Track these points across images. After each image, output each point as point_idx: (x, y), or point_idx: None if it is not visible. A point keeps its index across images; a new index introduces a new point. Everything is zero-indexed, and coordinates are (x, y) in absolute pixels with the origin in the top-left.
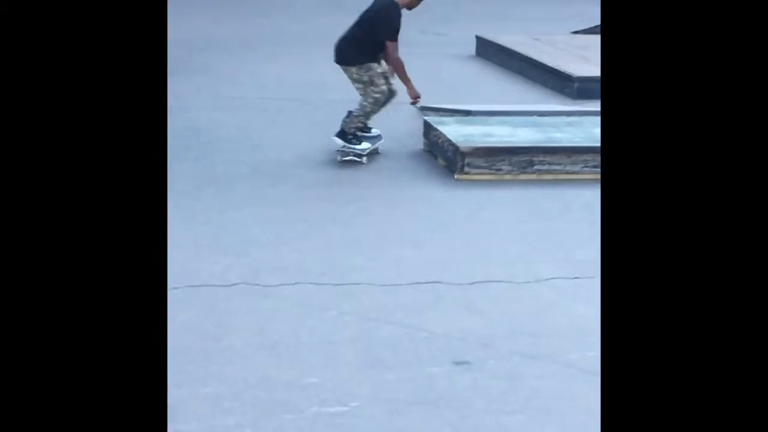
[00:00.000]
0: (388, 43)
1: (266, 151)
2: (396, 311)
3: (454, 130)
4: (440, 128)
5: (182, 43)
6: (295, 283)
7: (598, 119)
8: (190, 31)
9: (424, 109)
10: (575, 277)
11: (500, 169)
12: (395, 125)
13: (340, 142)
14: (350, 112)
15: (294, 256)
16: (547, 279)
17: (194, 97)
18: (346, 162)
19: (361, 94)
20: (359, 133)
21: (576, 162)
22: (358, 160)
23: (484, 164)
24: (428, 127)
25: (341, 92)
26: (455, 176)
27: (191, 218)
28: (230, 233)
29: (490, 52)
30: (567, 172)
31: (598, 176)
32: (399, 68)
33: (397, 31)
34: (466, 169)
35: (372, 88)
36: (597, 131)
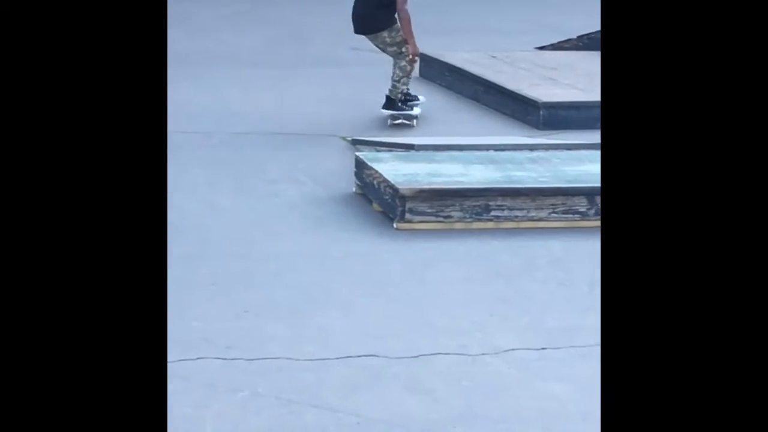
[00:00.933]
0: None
1: None
2: (322, 391)
3: (392, 169)
4: (376, 166)
5: None
6: (198, 358)
7: (568, 154)
8: None
9: (356, 143)
10: (542, 348)
11: (449, 216)
12: (321, 163)
13: (388, 112)
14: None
15: (197, 325)
16: (507, 350)
17: None
18: (396, 125)
19: (396, 58)
20: (407, 99)
21: (542, 207)
22: (408, 122)
23: (429, 210)
24: (361, 165)
25: (251, 122)
26: (394, 225)
27: None
28: None
29: (436, 72)
30: (531, 219)
31: (569, 224)
32: (407, 21)
33: None
34: (408, 216)
35: (405, 47)
36: (567, 169)
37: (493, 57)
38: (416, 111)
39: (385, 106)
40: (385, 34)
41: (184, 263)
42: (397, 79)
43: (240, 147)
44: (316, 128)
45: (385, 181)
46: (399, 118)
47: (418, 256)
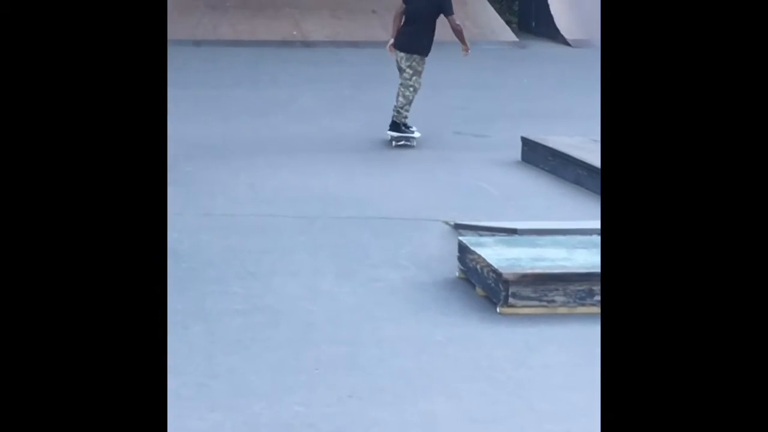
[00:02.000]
0: (452, 17)
1: (264, 280)
2: None
3: (495, 253)
4: (479, 251)
5: None
6: None
7: None
8: (172, 134)
9: (459, 227)
10: None
11: (553, 301)
12: (423, 247)
13: (395, 134)
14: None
15: (300, 410)
16: None
17: (177, 215)
18: (399, 146)
19: (406, 84)
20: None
21: None
22: (410, 144)
23: (533, 294)
24: (464, 250)
25: (353, 207)
26: (498, 309)
27: (172, 364)
28: (220, 382)
29: (539, 157)
30: None
31: None
32: (462, 32)
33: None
34: (511, 300)
35: (417, 78)
36: None
37: (595, 141)
38: (417, 134)
39: (391, 129)
40: (417, 58)
41: (288, 348)
42: (401, 105)
43: (342, 231)
44: (417, 213)
45: (489, 265)
46: (402, 140)
47: (522, 341)
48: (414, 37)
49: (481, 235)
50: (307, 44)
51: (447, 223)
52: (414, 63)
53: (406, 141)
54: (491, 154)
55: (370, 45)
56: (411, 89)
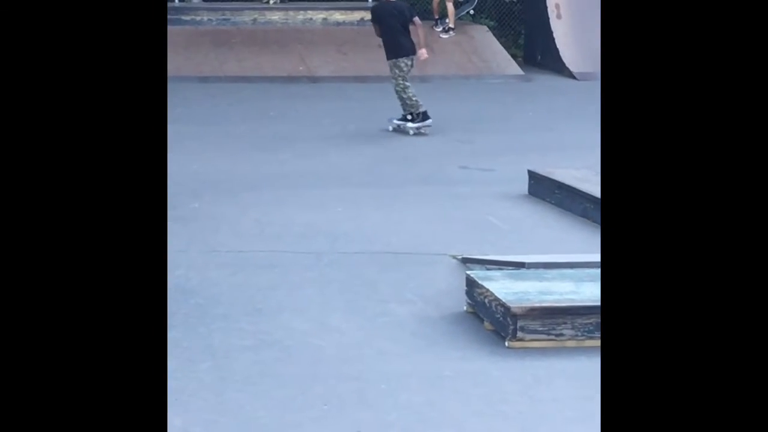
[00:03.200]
0: (416, 19)
1: (273, 317)
2: None
3: (503, 287)
4: (487, 285)
5: (170, 184)
6: None
7: None
8: (177, 170)
9: (466, 261)
10: None
11: (561, 334)
12: (431, 282)
13: (412, 125)
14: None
15: None
16: None
17: (183, 252)
18: (419, 134)
19: (396, 88)
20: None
21: None
22: (424, 132)
23: (541, 328)
24: (472, 284)
25: (360, 242)
26: (506, 343)
27: (180, 400)
28: (229, 418)
29: (545, 190)
30: None
31: None
32: (424, 34)
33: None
34: (520, 334)
35: (401, 79)
36: None
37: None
38: (410, 124)
39: (405, 120)
40: (392, 62)
41: (296, 384)
42: (409, 105)
43: (350, 267)
44: (425, 247)
45: (497, 299)
46: (421, 128)
47: (531, 375)
48: (389, 47)
49: (488, 269)
50: (313, 80)
51: (454, 257)
52: (394, 68)
53: (423, 129)
54: (498, 187)
55: (376, 80)
56: (401, 88)
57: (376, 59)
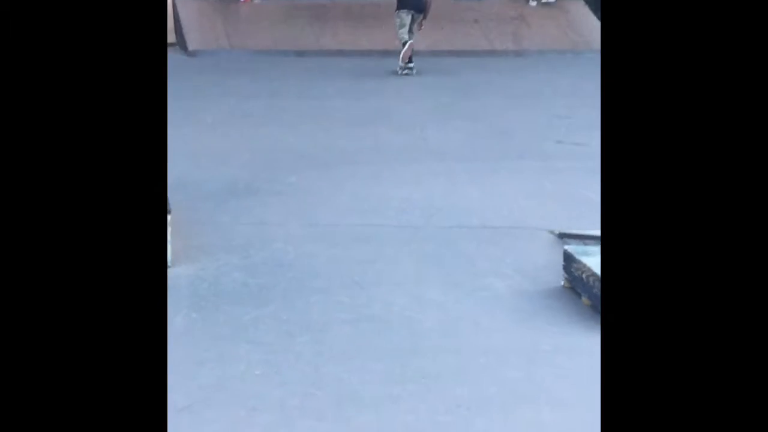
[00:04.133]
0: None
1: (370, 290)
2: None
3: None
4: (584, 260)
5: (264, 159)
6: None
7: None
8: (273, 145)
9: (564, 236)
10: None
11: None
12: (529, 256)
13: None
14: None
15: (408, 419)
16: None
17: (281, 225)
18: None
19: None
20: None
21: None
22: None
23: None
24: (570, 259)
25: (457, 216)
26: None
27: (278, 373)
28: (326, 392)
29: None
30: None
31: None
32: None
33: None
34: None
35: (399, 27)
36: None
37: None
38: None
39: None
40: (395, 14)
41: (394, 357)
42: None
43: (447, 241)
44: (522, 222)
45: (594, 274)
46: (405, 70)
47: None
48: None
49: (586, 244)
50: None
51: (552, 232)
52: (395, 17)
53: (408, 71)
54: (594, 162)
55: (471, 54)
56: (399, 33)
57: (470, 34)
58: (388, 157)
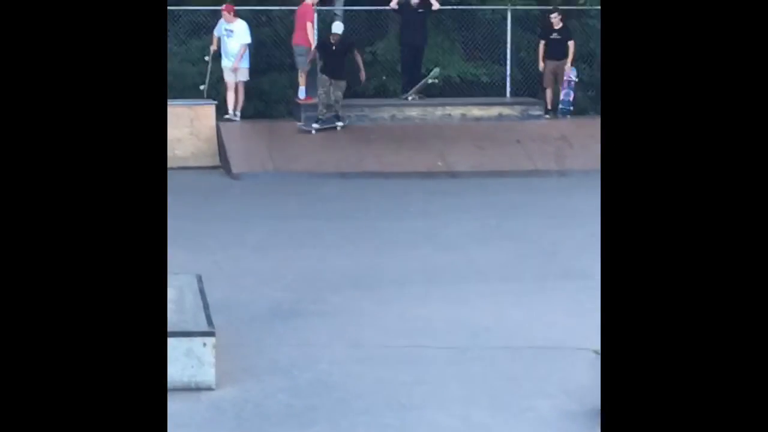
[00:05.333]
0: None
1: (416, 412)
2: None
3: None
4: None
5: (308, 280)
6: None
7: None
8: (319, 265)
9: None
10: None
11: None
12: (573, 376)
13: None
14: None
15: None
16: None
17: (326, 346)
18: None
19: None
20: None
21: None
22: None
23: None
24: None
25: (502, 337)
26: None
27: None
28: None
29: None
30: None
31: None
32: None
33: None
34: None
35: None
36: None
37: None
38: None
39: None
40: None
41: None
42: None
43: (492, 362)
44: (566, 341)
45: None
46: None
47: None
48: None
49: None
50: (452, 175)
51: (595, 351)
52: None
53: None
54: None
55: (515, 174)
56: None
57: (514, 154)
58: (434, 277)
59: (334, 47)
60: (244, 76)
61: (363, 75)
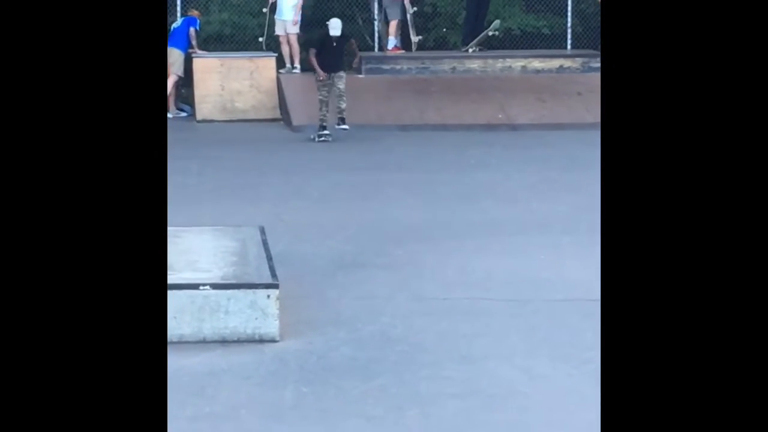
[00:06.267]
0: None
1: (478, 364)
2: None
3: None
4: None
5: (370, 233)
6: None
7: None
8: (379, 218)
9: None
10: None
11: None
12: None
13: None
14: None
15: None
16: None
17: (388, 298)
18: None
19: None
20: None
21: None
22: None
23: None
24: None
25: (563, 289)
26: None
27: None
28: None
29: None
30: None
31: None
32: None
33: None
34: None
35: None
36: None
37: None
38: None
39: (341, 123)
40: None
41: None
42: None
43: (554, 314)
44: None
45: None
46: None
47: None
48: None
49: None
50: (512, 127)
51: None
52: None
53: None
54: None
55: (575, 127)
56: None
57: (575, 107)
58: (494, 230)
59: (334, 43)
60: (293, 29)
61: (357, 60)
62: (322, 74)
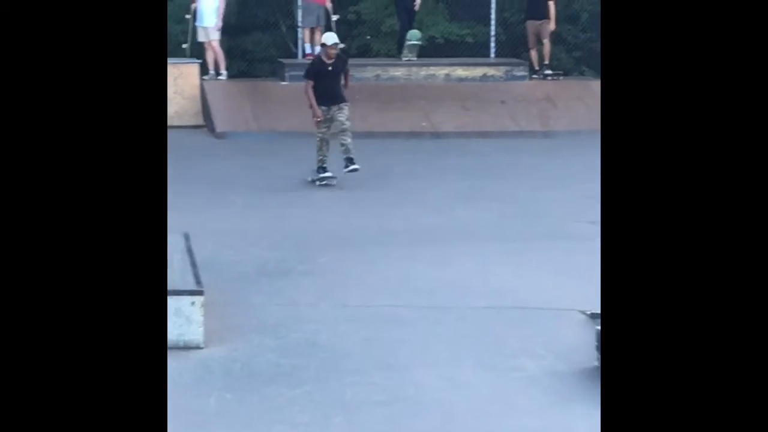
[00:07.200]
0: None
1: (403, 371)
2: None
3: None
4: None
5: (295, 240)
6: None
7: None
8: (303, 225)
9: (594, 316)
10: None
11: None
12: (561, 337)
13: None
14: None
15: None
16: None
17: (313, 305)
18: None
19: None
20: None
21: None
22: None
23: None
24: None
25: (488, 297)
26: None
27: None
28: None
29: None
30: None
31: None
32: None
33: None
34: None
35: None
36: None
37: None
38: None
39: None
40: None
41: None
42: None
43: (478, 322)
44: (553, 302)
45: None
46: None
47: None
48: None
49: None
50: (436, 135)
51: (584, 312)
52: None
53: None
54: None
55: (499, 135)
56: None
57: (498, 114)
58: (419, 237)
59: (330, 68)
60: (215, 35)
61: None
62: (319, 114)
